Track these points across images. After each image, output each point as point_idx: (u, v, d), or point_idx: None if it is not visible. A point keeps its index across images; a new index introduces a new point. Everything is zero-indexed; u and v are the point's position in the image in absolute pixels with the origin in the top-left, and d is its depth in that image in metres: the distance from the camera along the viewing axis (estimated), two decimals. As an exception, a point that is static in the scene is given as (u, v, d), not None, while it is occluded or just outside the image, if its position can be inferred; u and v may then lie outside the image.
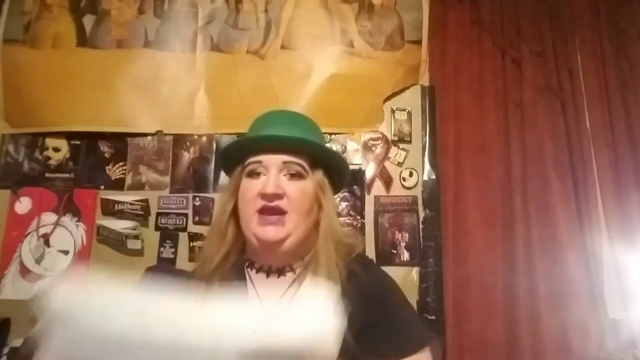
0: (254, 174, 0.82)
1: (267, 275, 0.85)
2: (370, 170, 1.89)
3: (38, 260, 1.85)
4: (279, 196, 0.79)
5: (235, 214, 0.85)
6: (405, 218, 1.84)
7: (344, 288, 0.77)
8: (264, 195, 0.79)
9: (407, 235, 1.83)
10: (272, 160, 0.81)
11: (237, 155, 0.86)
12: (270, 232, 0.79)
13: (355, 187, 1.87)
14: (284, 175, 0.81)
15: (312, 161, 0.84)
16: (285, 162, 0.81)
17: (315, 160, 0.85)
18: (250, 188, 0.81)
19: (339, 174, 0.89)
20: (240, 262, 0.87)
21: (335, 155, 0.91)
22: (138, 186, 1.92)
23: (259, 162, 0.82)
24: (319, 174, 0.85)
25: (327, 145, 0.92)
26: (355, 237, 0.90)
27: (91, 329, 0.59)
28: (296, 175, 0.82)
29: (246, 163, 0.83)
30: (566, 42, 1.89)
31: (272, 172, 0.80)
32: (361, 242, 0.95)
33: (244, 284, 0.84)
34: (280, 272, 0.84)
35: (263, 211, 0.79)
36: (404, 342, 0.77)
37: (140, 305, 0.61)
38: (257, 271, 0.85)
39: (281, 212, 0.79)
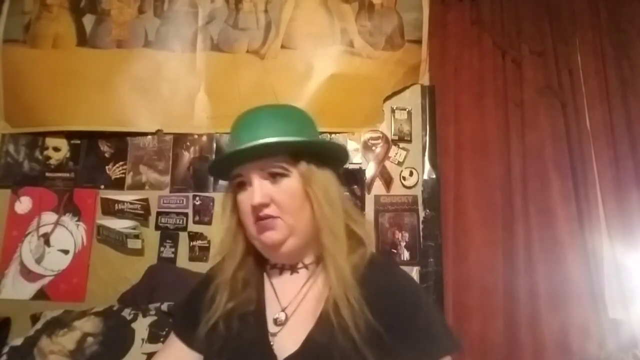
0: (242, 187, 0.83)
1: (281, 272, 0.87)
2: (370, 170, 1.89)
3: (38, 260, 1.85)
4: (265, 205, 0.79)
5: (241, 223, 0.86)
6: (405, 218, 1.84)
7: (363, 286, 0.78)
8: (252, 207, 0.79)
9: (407, 234, 1.83)
10: (251, 170, 0.80)
11: (223, 169, 0.86)
12: (270, 236, 0.80)
13: (356, 186, 1.87)
14: (267, 180, 0.80)
15: (293, 155, 0.81)
16: (263, 168, 0.80)
17: (297, 153, 0.82)
18: (244, 201, 0.82)
19: (329, 155, 0.86)
20: (259, 258, 0.89)
21: (313, 142, 0.86)
22: (138, 186, 1.92)
23: (240, 175, 0.82)
24: (302, 166, 0.82)
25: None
26: (362, 221, 0.89)
27: None
28: (279, 176, 0.80)
29: (232, 177, 0.84)
30: (566, 42, 1.89)
31: (255, 182, 0.80)
32: (370, 233, 0.95)
33: (261, 278, 0.88)
34: (293, 269, 0.86)
35: (258, 219, 0.80)
36: (427, 346, 0.77)
37: None
38: (271, 267, 0.89)
39: (272, 217, 0.80)
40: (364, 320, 0.74)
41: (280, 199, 0.79)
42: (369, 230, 0.90)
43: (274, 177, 0.80)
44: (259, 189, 0.79)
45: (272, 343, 0.79)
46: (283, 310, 0.82)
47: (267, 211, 0.79)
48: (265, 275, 0.89)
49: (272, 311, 0.83)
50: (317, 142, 0.88)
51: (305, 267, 0.86)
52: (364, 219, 0.90)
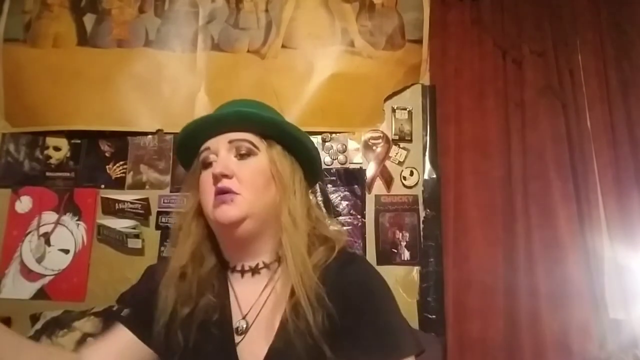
0: (207, 164, 0.80)
1: (242, 275, 0.81)
2: (370, 170, 1.89)
3: (39, 260, 1.85)
4: (227, 176, 0.76)
5: (200, 211, 0.81)
6: (405, 217, 1.84)
7: (321, 283, 0.73)
8: (214, 178, 0.76)
9: (407, 234, 1.82)
10: (218, 143, 0.79)
11: (193, 151, 0.84)
12: (226, 211, 0.75)
13: (356, 186, 1.87)
14: (235, 156, 0.79)
15: (263, 136, 0.80)
16: (231, 141, 0.79)
17: (267, 135, 0.81)
18: (207, 178, 0.78)
19: (299, 148, 0.83)
20: (221, 264, 0.84)
21: (285, 123, 0.84)
22: (139, 185, 1.92)
23: (208, 148, 0.80)
24: (274, 149, 0.81)
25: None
26: (327, 223, 0.85)
27: None
28: (246, 154, 0.79)
29: (199, 155, 0.82)
30: (567, 42, 1.89)
31: (221, 153, 0.78)
32: (343, 232, 0.90)
33: (224, 285, 0.82)
34: (254, 270, 0.80)
35: (217, 193, 0.76)
36: (383, 348, 0.71)
37: None
38: (232, 271, 0.83)
39: (232, 191, 0.76)
40: (322, 316, 0.71)
41: (244, 174, 0.77)
42: (337, 232, 0.84)
43: (242, 156, 0.79)
44: (224, 158, 0.78)
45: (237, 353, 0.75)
46: (244, 318, 0.78)
47: (227, 183, 0.76)
48: (228, 281, 0.83)
49: (234, 319, 0.78)
50: (288, 124, 0.84)
51: (266, 266, 0.80)
52: (329, 221, 0.87)
